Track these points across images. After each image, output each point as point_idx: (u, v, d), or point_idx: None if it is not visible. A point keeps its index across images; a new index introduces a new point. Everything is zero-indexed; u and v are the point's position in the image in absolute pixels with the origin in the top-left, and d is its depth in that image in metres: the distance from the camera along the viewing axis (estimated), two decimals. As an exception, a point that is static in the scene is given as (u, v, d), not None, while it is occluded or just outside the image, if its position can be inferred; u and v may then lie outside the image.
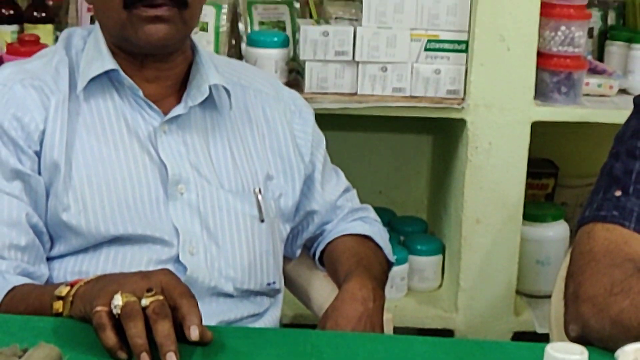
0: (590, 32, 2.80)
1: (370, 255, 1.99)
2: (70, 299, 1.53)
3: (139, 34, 1.78)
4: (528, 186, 2.69)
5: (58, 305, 1.55)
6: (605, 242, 1.63)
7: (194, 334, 1.42)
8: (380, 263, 2.01)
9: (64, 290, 1.55)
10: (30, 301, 1.63)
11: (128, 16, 1.77)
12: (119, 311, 1.41)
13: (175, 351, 1.38)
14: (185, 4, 1.79)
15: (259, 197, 1.88)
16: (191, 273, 1.79)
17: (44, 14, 2.53)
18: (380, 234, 2.08)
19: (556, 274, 1.94)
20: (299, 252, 2.08)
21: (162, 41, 1.79)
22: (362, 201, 2.15)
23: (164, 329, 1.40)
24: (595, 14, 2.87)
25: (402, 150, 3.07)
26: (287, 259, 2.05)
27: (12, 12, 2.54)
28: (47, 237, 1.78)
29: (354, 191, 2.13)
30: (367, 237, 2.05)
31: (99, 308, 1.43)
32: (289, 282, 2.07)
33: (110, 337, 1.41)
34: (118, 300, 1.42)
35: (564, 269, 1.76)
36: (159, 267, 1.75)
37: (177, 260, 1.80)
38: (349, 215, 2.08)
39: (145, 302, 1.43)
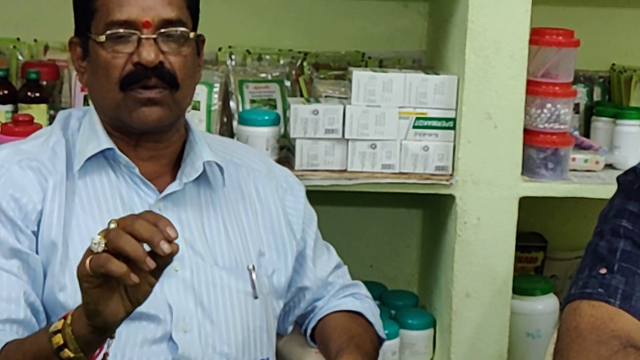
0: (576, 107, 2.83)
1: (361, 332, 2.01)
2: (69, 328, 1.53)
3: (133, 115, 1.82)
4: (517, 259, 2.70)
5: (58, 339, 1.54)
6: (591, 319, 1.65)
7: (172, 233, 1.42)
8: (372, 340, 2.02)
9: (59, 324, 1.55)
10: (26, 347, 1.63)
11: (124, 98, 1.81)
12: (105, 241, 1.43)
13: (171, 224, 1.42)
14: (177, 86, 1.83)
15: (253, 273, 1.90)
16: (182, 351, 1.80)
17: (37, 94, 2.54)
18: (371, 310, 2.10)
19: (546, 347, 1.96)
20: (290, 328, 2.10)
21: (155, 122, 1.83)
22: (353, 275, 2.17)
23: (147, 217, 1.43)
24: (581, 89, 2.90)
25: (392, 225, 3.09)
26: (279, 335, 2.06)
27: (6, 92, 2.55)
28: (44, 315, 1.80)
29: (345, 267, 2.16)
30: (358, 314, 2.06)
31: (89, 257, 1.45)
32: (281, 358, 2.08)
33: (119, 264, 1.42)
34: (99, 239, 1.44)
35: (552, 344, 1.78)
36: (154, 346, 1.77)
37: (170, 338, 1.81)
38: (340, 292, 2.10)
39: (113, 225, 1.45)
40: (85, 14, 1.85)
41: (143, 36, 1.80)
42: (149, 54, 1.79)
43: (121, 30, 1.80)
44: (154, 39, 1.80)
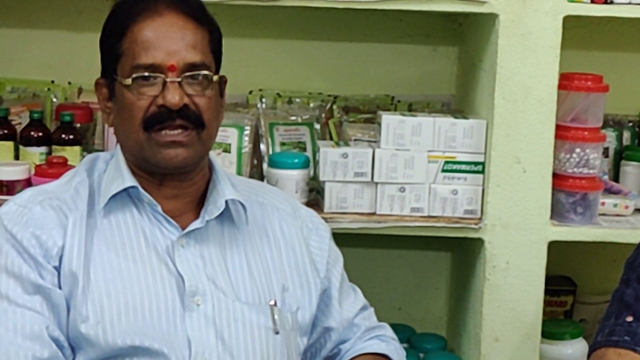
0: (605, 151, 2.83)
1: (387, 375, 2.01)
2: None
3: (158, 157, 1.85)
4: (546, 303, 2.70)
5: None
6: (617, 367, 1.65)
7: None
8: (398, 382, 2.03)
9: None
10: None
11: (147, 139, 1.85)
12: None
13: None
14: (203, 125, 1.86)
15: (274, 309, 1.91)
16: (202, 385, 1.82)
17: (71, 136, 2.58)
18: (397, 352, 2.10)
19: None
20: (317, 370, 2.10)
21: (182, 163, 1.86)
22: (381, 317, 2.18)
23: None
24: (610, 134, 2.90)
25: (420, 267, 3.09)
26: (306, 378, 2.07)
27: (40, 134, 2.59)
28: (69, 351, 1.82)
29: (371, 310, 2.16)
30: (384, 356, 2.07)
31: None
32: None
33: None
34: None
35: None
36: None
37: (188, 374, 1.83)
38: (366, 334, 2.10)
39: None
40: (111, 57, 1.89)
41: (168, 79, 1.84)
42: (173, 97, 1.83)
43: (147, 74, 1.84)
44: (179, 82, 1.84)
